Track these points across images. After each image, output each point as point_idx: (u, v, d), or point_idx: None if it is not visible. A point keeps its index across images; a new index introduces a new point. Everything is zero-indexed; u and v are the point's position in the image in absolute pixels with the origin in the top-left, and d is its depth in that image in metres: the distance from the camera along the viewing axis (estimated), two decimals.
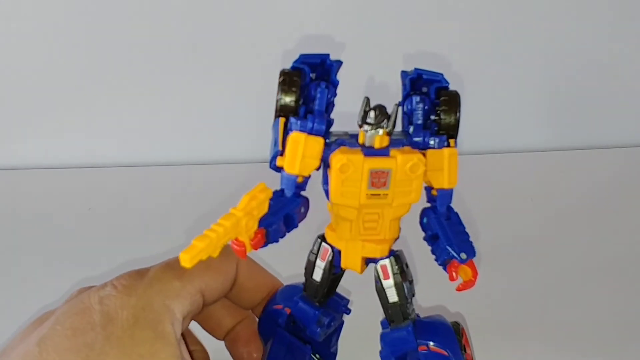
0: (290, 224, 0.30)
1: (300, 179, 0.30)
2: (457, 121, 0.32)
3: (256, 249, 0.29)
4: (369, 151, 0.29)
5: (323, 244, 0.33)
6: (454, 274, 0.29)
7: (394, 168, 0.29)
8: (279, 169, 0.30)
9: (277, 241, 0.30)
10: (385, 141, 0.29)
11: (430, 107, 0.32)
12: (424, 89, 0.32)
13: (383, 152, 0.29)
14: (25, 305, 0.47)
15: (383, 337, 0.33)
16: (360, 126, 0.30)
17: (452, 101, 0.32)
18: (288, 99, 0.30)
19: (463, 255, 0.30)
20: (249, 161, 0.71)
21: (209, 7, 0.68)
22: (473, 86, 0.74)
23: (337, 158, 0.28)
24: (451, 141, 0.32)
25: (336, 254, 0.32)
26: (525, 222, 0.60)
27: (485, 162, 0.72)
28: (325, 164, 0.30)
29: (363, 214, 0.30)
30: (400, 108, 0.30)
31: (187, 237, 0.58)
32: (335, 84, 0.31)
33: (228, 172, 0.71)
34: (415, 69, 0.32)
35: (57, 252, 0.56)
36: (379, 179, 0.29)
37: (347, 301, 0.35)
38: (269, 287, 0.35)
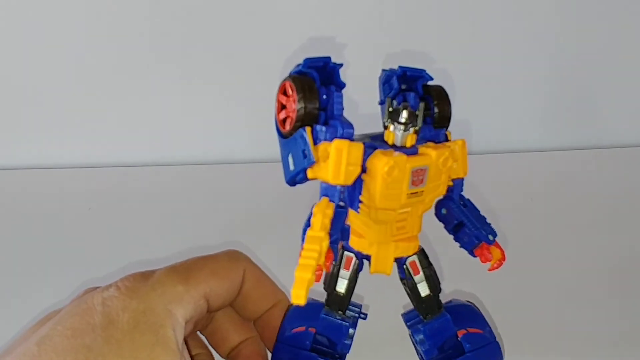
0: (346, 236, 0.30)
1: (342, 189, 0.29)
2: (450, 113, 0.32)
3: (328, 270, 0.28)
4: (405, 151, 0.29)
5: (345, 252, 0.32)
6: (488, 255, 0.32)
7: (431, 164, 0.29)
8: (295, 183, 0.29)
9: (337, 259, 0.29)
10: (414, 140, 0.29)
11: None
12: (403, 86, 0.32)
13: (414, 151, 0.29)
14: (24, 305, 0.47)
15: (422, 331, 0.33)
16: (386, 127, 0.29)
17: (443, 94, 0.32)
18: (312, 107, 0.28)
19: (490, 237, 0.32)
20: (249, 161, 0.71)
21: (209, 8, 0.68)
22: (473, 86, 0.74)
23: (384, 161, 0.27)
24: (448, 133, 0.33)
25: (360, 260, 0.32)
26: (525, 222, 0.60)
27: (485, 162, 0.72)
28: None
29: (397, 214, 0.30)
30: (422, 105, 0.29)
31: (186, 236, 0.58)
32: (342, 87, 0.30)
33: (228, 172, 0.71)
34: (400, 67, 0.32)
35: (56, 252, 0.56)
36: (418, 177, 0.29)
37: (361, 306, 0.34)
38: (274, 299, 0.34)
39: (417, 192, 0.29)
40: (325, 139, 0.28)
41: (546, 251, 0.55)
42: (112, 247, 0.57)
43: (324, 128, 0.28)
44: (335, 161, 0.27)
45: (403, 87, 0.32)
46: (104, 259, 0.55)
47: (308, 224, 0.27)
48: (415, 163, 0.28)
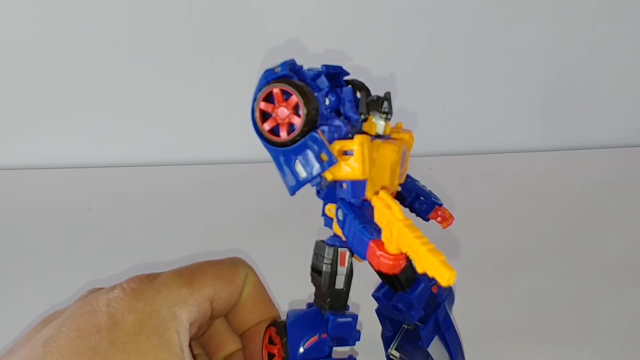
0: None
1: None
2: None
3: None
4: (386, 138, 0.30)
5: (340, 249, 0.32)
6: (444, 215, 0.36)
7: (408, 146, 0.31)
8: (297, 187, 0.28)
9: None
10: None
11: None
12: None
13: (389, 137, 0.30)
14: (25, 305, 0.47)
15: (411, 298, 0.34)
16: (366, 120, 0.30)
17: (364, 86, 0.33)
18: (316, 108, 0.28)
19: (439, 201, 0.36)
20: (249, 161, 0.71)
21: (210, 8, 0.68)
22: (472, 86, 0.74)
23: (391, 149, 0.29)
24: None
25: (351, 252, 0.32)
26: (525, 222, 0.60)
27: (485, 162, 0.72)
28: None
29: None
30: (389, 94, 0.31)
31: (186, 236, 0.58)
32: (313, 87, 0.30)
33: (228, 172, 0.71)
34: (323, 65, 0.31)
35: (56, 252, 0.56)
36: (403, 159, 0.30)
37: None
38: (267, 313, 0.34)
39: (400, 174, 0.31)
40: (334, 139, 0.28)
41: (545, 251, 0.55)
42: (111, 247, 0.57)
43: (327, 128, 0.28)
44: (361, 157, 0.28)
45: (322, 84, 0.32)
46: (104, 259, 0.55)
47: (360, 221, 0.27)
48: (402, 147, 0.30)
